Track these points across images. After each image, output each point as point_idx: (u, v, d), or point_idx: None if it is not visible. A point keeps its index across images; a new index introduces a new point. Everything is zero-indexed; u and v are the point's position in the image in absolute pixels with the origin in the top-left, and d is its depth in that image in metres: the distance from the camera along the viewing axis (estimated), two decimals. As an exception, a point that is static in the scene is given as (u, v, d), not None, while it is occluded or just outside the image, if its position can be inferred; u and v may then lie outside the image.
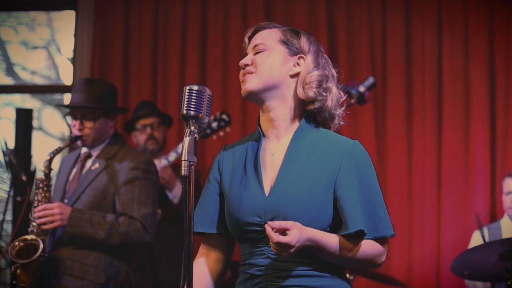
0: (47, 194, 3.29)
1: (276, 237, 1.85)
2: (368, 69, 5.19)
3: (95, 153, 3.45)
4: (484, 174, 5.03)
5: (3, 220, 4.25)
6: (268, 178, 2.04)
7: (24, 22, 6.46)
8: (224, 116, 4.49)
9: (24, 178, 3.94)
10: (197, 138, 1.90)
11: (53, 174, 3.39)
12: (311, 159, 2.01)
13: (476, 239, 4.58)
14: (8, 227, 4.88)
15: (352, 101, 3.95)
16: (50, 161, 3.33)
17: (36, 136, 5.78)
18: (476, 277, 3.69)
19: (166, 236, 4.23)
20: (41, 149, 5.88)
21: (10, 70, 6.51)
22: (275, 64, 2.05)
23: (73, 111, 3.40)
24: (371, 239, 1.97)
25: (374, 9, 5.26)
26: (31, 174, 4.48)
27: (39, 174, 3.36)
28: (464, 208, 5.02)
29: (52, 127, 6.63)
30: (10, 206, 4.33)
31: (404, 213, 5.04)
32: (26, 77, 6.58)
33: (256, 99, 2.07)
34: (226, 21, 5.38)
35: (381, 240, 2.00)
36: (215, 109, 4.79)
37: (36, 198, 3.27)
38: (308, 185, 1.98)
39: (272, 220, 1.96)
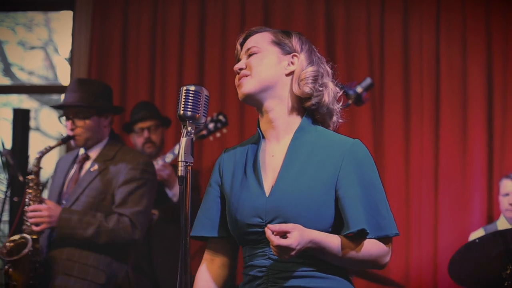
0: (38, 193, 3.30)
1: (276, 240, 1.84)
2: (366, 68, 5.19)
3: (93, 154, 3.44)
4: (481, 174, 5.03)
5: (0, 221, 4.25)
6: (269, 179, 2.03)
7: (21, 23, 6.45)
8: (220, 117, 4.48)
9: (21, 178, 3.93)
10: (193, 139, 1.90)
11: (44, 173, 3.39)
12: (312, 159, 2.01)
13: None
14: (5, 228, 4.87)
15: (350, 101, 3.96)
16: (39, 159, 3.34)
17: (33, 136, 5.77)
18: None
19: (165, 235, 4.22)
20: (38, 149, 5.87)
21: (7, 70, 6.51)
22: (269, 65, 2.05)
23: (66, 111, 3.41)
24: (374, 238, 1.96)
25: (372, 8, 5.26)
26: (28, 175, 4.48)
27: (24, 171, 3.39)
28: (462, 208, 5.02)
29: (49, 127, 6.62)
30: (7, 207, 4.33)
31: (402, 213, 5.04)
32: (24, 78, 6.57)
33: (254, 102, 2.07)
34: (224, 21, 5.37)
35: (384, 239, 1.98)
36: (213, 109, 4.79)
37: (27, 197, 3.29)
38: (309, 184, 1.97)
39: (273, 220, 1.95)
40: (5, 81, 6.46)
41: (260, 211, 1.98)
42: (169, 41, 5.42)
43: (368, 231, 1.93)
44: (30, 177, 3.33)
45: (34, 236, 3.24)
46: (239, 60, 2.11)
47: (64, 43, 6.28)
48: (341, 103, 2.12)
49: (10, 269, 3.20)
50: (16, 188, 4.18)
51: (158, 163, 4.22)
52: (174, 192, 4.23)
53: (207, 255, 2.16)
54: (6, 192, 4.07)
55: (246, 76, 2.06)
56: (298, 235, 1.85)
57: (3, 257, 3.20)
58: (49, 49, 6.54)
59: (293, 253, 1.85)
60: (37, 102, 6.65)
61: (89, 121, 3.38)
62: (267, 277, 1.98)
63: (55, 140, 6.56)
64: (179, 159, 1.85)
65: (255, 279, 2.01)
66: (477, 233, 4.62)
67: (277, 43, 2.08)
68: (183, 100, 1.90)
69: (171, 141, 5.06)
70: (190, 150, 1.87)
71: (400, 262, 4.99)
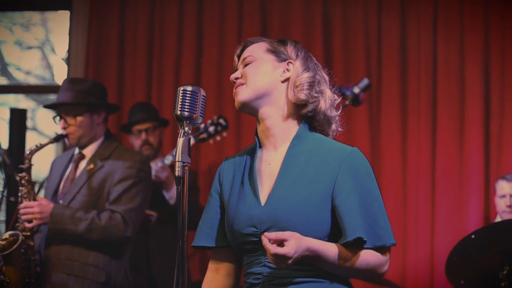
0: (30, 190, 3.30)
1: (273, 248, 1.83)
2: (363, 68, 5.19)
3: (89, 153, 3.44)
4: (478, 176, 5.02)
5: (-3, 221, 4.25)
6: (265, 188, 2.03)
7: (18, 22, 6.44)
8: (221, 121, 4.48)
9: (17, 178, 3.93)
10: (191, 140, 1.90)
11: (40, 173, 3.39)
12: (309, 167, 2.00)
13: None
14: (1, 228, 4.87)
15: (347, 102, 3.96)
16: (29, 157, 3.35)
17: (30, 136, 5.76)
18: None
19: (162, 237, 4.22)
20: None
21: (4, 70, 6.50)
22: (264, 72, 2.05)
23: (58, 110, 3.42)
24: (371, 248, 1.95)
25: (369, 8, 5.26)
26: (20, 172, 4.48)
27: (20, 170, 3.39)
28: (459, 209, 5.02)
29: (46, 127, 6.61)
30: (3, 207, 4.32)
31: (399, 215, 5.04)
32: (20, 77, 6.56)
33: (250, 109, 2.07)
34: (222, 22, 5.36)
35: (381, 249, 1.97)
36: (210, 109, 4.79)
37: (20, 194, 3.30)
38: (305, 193, 1.96)
39: (267, 230, 1.95)
40: (2, 80, 6.45)
41: (255, 220, 1.98)
42: (166, 41, 5.41)
43: (365, 239, 1.93)
44: (21, 174, 3.34)
45: (27, 233, 3.24)
46: (236, 71, 2.12)
47: (61, 43, 6.27)
48: (339, 111, 2.11)
49: (4, 267, 3.20)
50: (13, 188, 4.17)
51: (157, 165, 4.22)
52: (171, 195, 4.22)
53: (211, 265, 2.16)
54: (3, 192, 4.07)
55: (242, 84, 2.06)
56: (295, 243, 1.84)
57: None
58: (46, 49, 6.53)
59: (290, 261, 1.84)
60: (34, 102, 6.63)
61: (81, 119, 3.39)
62: (262, 285, 1.99)
63: (52, 140, 6.55)
64: (176, 159, 1.85)
65: (252, 286, 2.02)
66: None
67: (272, 51, 2.09)
68: (180, 100, 1.90)
69: (169, 142, 5.06)
70: (187, 150, 1.87)
71: (397, 262, 4.99)
